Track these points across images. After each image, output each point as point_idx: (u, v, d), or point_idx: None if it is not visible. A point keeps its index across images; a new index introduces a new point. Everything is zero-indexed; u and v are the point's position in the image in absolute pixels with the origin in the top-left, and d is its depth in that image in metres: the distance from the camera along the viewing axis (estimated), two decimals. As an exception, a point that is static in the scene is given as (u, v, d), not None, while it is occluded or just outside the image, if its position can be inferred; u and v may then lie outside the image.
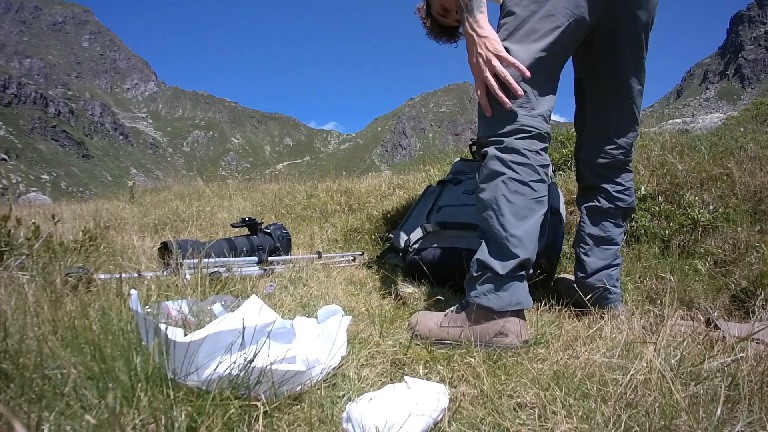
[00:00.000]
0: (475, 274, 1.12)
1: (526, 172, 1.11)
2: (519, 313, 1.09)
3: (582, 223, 1.44)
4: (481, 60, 1.13)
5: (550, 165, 1.28)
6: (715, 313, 1.32)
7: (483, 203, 1.14)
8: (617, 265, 1.41)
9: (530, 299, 1.11)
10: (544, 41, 1.12)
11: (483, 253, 1.12)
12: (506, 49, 1.12)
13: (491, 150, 1.14)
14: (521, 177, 1.11)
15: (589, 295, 1.33)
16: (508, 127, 1.12)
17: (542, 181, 1.14)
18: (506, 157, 1.11)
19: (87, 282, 1.19)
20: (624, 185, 1.42)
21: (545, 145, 1.16)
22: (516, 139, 1.12)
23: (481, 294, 1.09)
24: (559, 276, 1.70)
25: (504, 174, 1.11)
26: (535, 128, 1.13)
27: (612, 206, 1.41)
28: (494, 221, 1.11)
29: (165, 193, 4.62)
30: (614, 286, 1.38)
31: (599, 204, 1.42)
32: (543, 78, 1.15)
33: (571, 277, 1.58)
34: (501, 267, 1.08)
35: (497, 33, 1.15)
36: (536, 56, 1.12)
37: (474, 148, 2.25)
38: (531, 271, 1.15)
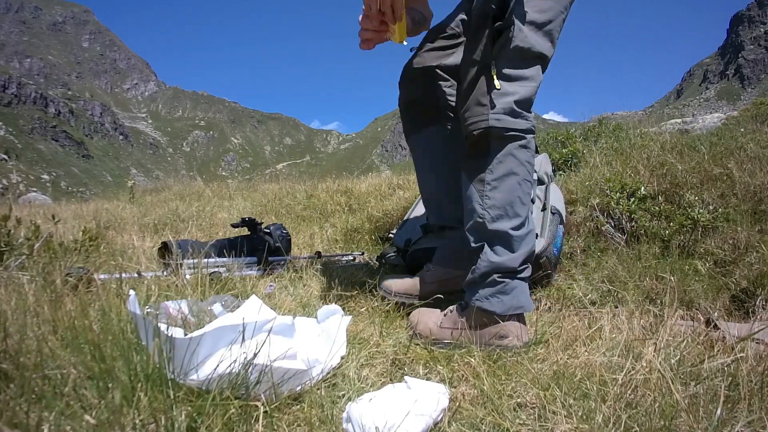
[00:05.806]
0: (478, 279, 1.10)
1: (532, 170, 1.13)
2: (520, 317, 1.08)
3: None
4: None
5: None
6: (715, 313, 1.32)
7: (492, 202, 1.09)
8: None
9: (531, 303, 1.11)
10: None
11: (486, 256, 1.09)
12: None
13: (512, 147, 1.08)
14: (529, 177, 1.12)
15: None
16: (528, 125, 1.11)
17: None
18: (522, 156, 1.10)
19: (87, 282, 1.19)
20: None
21: None
22: (532, 138, 1.12)
23: (483, 298, 1.08)
24: None
25: (518, 175, 1.10)
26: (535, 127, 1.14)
27: None
28: (504, 221, 1.08)
29: (165, 193, 4.63)
30: None
31: None
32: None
33: None
34: (512, 260, 1.07)
35: None
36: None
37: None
38: (531, 271, 1.15)
